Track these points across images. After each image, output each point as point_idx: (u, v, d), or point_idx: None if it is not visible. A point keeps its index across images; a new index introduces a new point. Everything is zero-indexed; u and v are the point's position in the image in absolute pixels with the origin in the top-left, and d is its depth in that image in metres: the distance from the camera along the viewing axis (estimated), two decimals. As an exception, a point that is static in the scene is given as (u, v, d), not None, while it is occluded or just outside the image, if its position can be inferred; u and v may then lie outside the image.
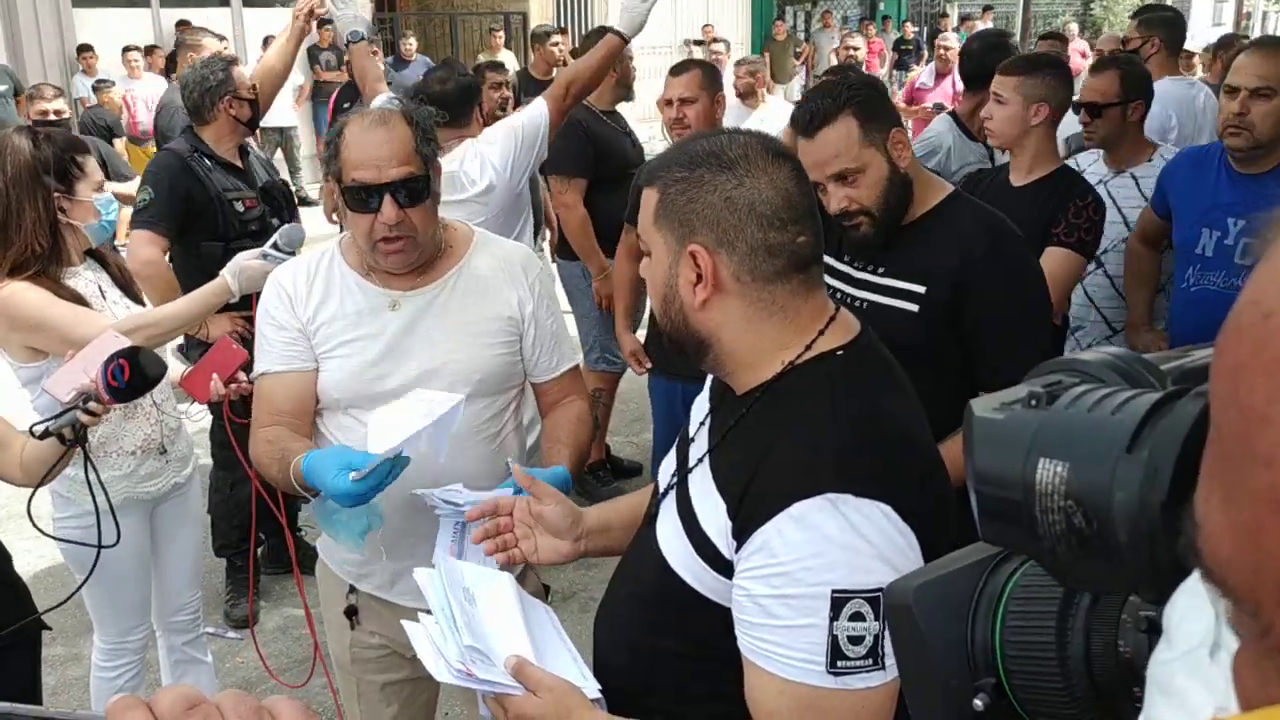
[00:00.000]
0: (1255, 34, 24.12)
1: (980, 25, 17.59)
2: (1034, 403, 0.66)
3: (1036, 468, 0.63)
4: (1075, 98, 3.56)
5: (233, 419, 2.95)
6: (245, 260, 2.68)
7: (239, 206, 3.70)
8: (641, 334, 4.38)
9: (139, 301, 2.86)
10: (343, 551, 2.18)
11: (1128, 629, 0.70)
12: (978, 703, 0.75)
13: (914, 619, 0.79)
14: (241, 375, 2.84)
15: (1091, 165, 3.66)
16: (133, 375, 2.16)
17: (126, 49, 10.87)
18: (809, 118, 2.17)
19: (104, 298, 2.73)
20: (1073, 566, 0.64)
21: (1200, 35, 23.02)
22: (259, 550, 4.22)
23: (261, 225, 3.71)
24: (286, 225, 2.74)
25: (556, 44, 7.10)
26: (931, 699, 0.80)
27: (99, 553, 2.34)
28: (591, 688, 1.46)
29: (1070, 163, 3.69)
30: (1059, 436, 0.63)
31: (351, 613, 2.21)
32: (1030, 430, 0.65)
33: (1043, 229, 3.01)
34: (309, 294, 2.08)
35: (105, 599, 2.83)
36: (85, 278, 2.72)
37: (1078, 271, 3.14)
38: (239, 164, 3.80)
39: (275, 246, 2.69)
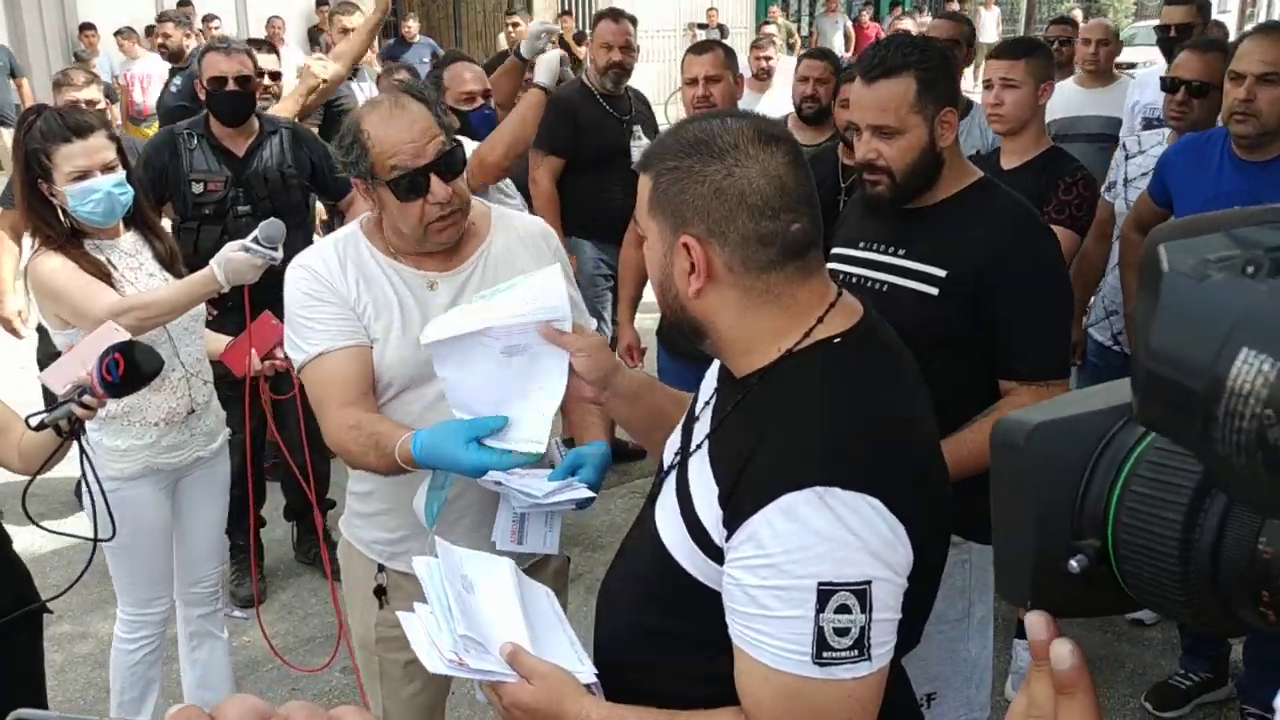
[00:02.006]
0: (1261, 19, 24.02)
1: (984, 10, 17.56)
2: (1250, 270, 0.52)
3: (1234, 359, 0.51)
4: (1170, 75, 3.52)
5: (271, 396, 2.97)
6: (230, 252, 2.65)
7: (196, 188, 3.75)
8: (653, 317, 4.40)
9: (181, 278, 2.85)
10: (372, 531, 2.19)
11: (1276, 527, 0.59)
12: (1074, 564, 0.67)
13: (1023, 460, 0.70)
14: (279, 351, 2.84)
15: (1153, 147, 3.59)
16: (127, 370, 2.16)
17: (119, 31, 10.81)
18: (873, 64, 2.17)
19: (139, 272, 2.77)
20: (1249, 485, 0.53)
21: (1206, 21, 22.97)
22: (295, 542, 4.33)
23: (218, 210, 3.75)
24: (264, 221, 2.68)
25: (517, 24, 7.13)
26: (1021, 551, 0.72)
27: (95, 548, 2.35)
28: (588, 673, 1.47)
29: (1132, 143, 3.70)
30: (1277, 325, 0.51)
31: (381, 592, 2.21)
32: (1236, 308, 0.52)
33: (1037, 209, 3.03)
34: (344, 276, 2.04)
35: (128, 568, 2.87)
36: (124, 251, 2.77)
37: (1072, 249, 3.14)
38: (235, 149, 3.81)
39: (256, 241, 2.65)
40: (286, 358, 2.76)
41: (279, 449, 3.34)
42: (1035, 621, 0.70)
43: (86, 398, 2.16)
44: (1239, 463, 0.52)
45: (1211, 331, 0.52)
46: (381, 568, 2.20)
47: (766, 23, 12.87)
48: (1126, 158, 3.67)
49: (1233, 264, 0.53)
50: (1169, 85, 3.52)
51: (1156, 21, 5.09)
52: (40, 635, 2.42)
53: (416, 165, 1.93)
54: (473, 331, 1.74)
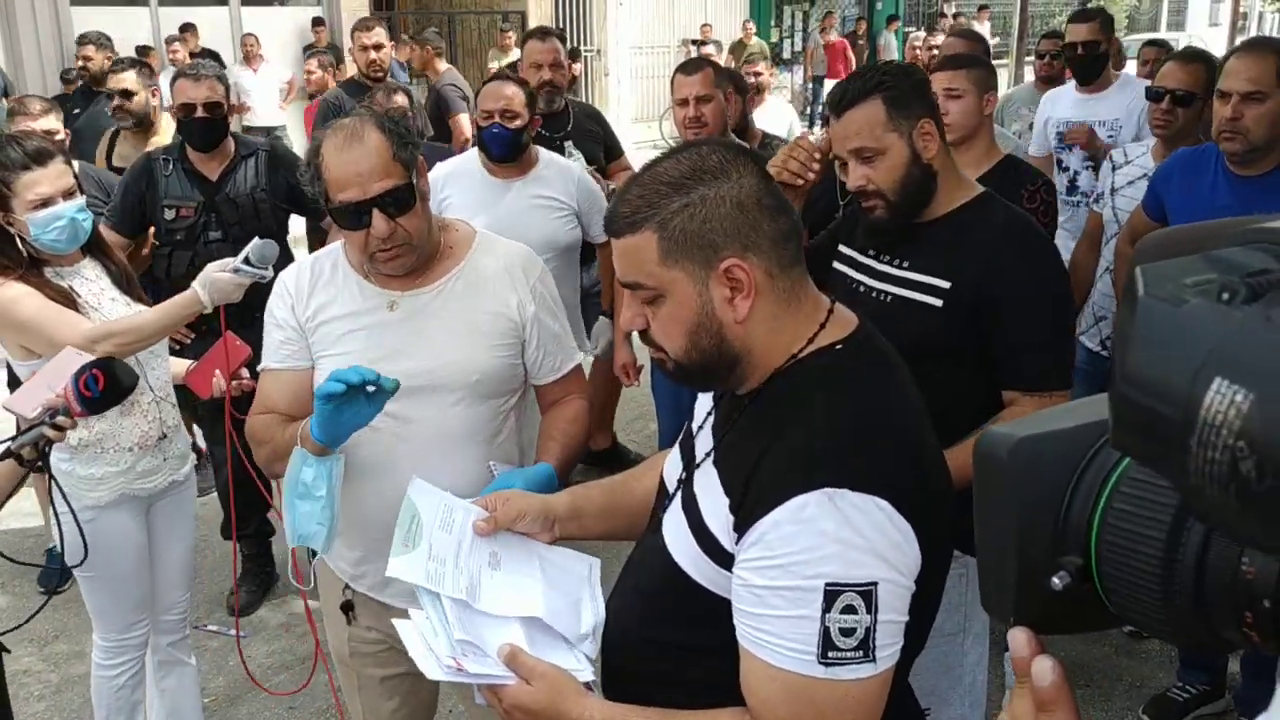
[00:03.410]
0: (1252, 33, 24.15)
1: (976, 24, 17.62)
2: (1226, 296, 0.52)
3: (1208, 388, 0.50)
4: (1155, 85, 3.58)
5: (234, 415, 2.95)
6: (215, 273, 2.66)
7: (169, 214, 3.78)
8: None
9: (141, 301, 2.86)
10: (339, 548, 2.20)
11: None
12: (1056, 581, 0.66)
13: (1006, 474, 0.70)
14: (244, 371, 2.85)
15: (1139, 158, 3.65)
16: (107, 386, 2.16)
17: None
18: (839, 97, 2.23)
19: (101, 297, 2.74)
20: (1220, 513, 0.52)
21: (1198, 35, 23.12)
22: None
23: (189, 235, 3.79)
24: (258, 241, 2.70)
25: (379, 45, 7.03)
26: (1004, 565, 0.71)
27: (62, 573, 2.33)
28: (586, 672, 1.49)
29: (1118, 154, 3.75)
30: (1251, 355, 0.49)
31: (348, 608, 2.23)
32: (1212, 336, 0.51)
33: None
34: (310, 294, 2.11)
35: (106, 596, 2.83)
36: (85, 277, 2.75)
37: None
38: (208, 173, 3.84)
39: (247, 261, 2.66)
40: (252, 378, 2.78)
41: None
42: (1017, 637, 0.70)
43: (60, 418, 2.15)
44: (1211, 493, 0.51)
45: (1185, 359, 0.51)
46: (348, 585, 2.22)
47: (701, 42, 12.26)
48: (1113, 168, 3.72)
49: (1209, 289, 0.52)
50: (1154, 94, 3.58)
51: (1149, 35, 5.14)
52: (1, 671, 2.38)
53: (359, 199, 1.95)
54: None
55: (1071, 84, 4.78)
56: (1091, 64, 4.55)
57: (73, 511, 2.32)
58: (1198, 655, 3.31)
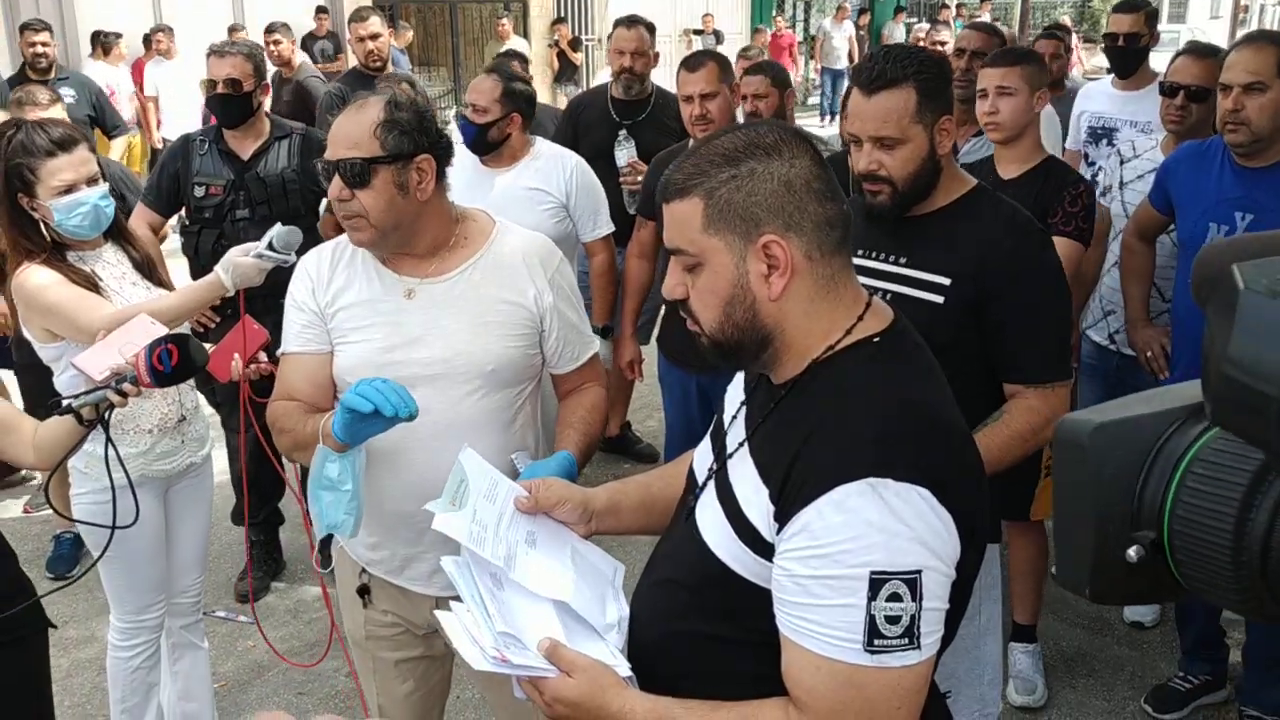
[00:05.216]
0: (1254, 27, 24.15)
1: (982, 17, 17.61)
2: None
3: None
4: (1168, 80, 3.57)
5: (253, 398, 2.98)
6: (237, 257, 2.71)
7: (199, 191, 3.84)
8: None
9: (163, 285, 2.90)
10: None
11: None
12: (1131, 554, 0.72)
13: (1085, 457, 0.75)
14: (262, 355, 2.88)
15: (1147, 152, 3.66)
16: (180, 362, 2.19)
17: (96, 34, 10.61)
18: (873, 77, 2.18)
19: (123, 281, 2.78)
20: None
21: (1199, 28, 23.09)
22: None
23: (217, 214, 3.84)
24: (281, 227, 2.74)
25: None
26: (1082, 541, 0.77)
27: (113, 531, 2.37)
28: (624, 668, 1.49)
29: (1126, 148, 3.75)
30: None
31: (364, 591, 2.25)
32: None
33: (1040, 220, 3.04)
34: (330, 279, 2.13)
35: (122, 577, 2.86)
36: (107, 261, 2.78)
37: (1078, 259, 3.20)
38: (241, 152, 3.88)
39: (270, 247, 2.71)
40: (270, 361, 2.80)
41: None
42: None
43: (126, 385, 2.18)
44: None
45: None
46: (364, 569, 2.25)
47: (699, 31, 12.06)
48: (1121, 162, 3.72)
49: None
50: (1167, 90, 3.57)
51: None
52: (46, 648, 2.41)
53: (329, 158, 2.01)
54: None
55: (1109, 79, 4.71)
56: (1131, 57, 4.45)
57: (126, 472, 2.34)
58: (1200, 646, 3.34)
